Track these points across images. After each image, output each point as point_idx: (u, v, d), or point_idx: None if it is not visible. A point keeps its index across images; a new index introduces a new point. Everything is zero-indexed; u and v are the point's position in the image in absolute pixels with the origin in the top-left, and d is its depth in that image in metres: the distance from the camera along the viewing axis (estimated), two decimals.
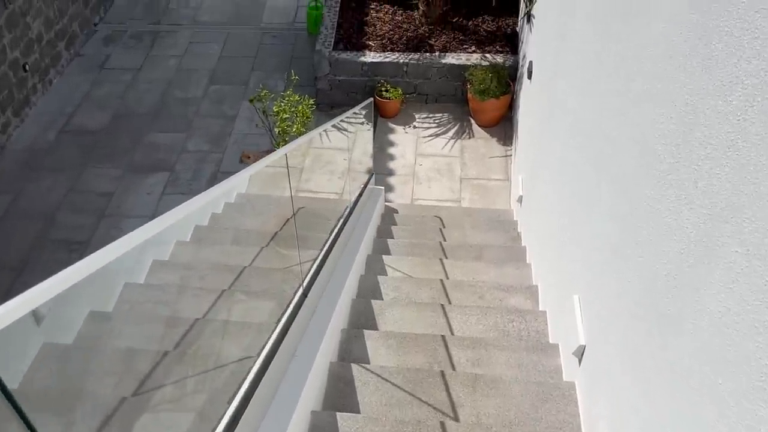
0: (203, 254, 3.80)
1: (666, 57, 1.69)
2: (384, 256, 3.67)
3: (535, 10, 4.92)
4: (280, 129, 3.97)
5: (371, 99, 4.94)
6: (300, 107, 4.01)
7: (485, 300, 3.20)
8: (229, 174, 5.80)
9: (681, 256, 1.50)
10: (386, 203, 5.12)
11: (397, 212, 4.93)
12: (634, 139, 1.94)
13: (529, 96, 4.84)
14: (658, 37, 1.76)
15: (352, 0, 6.80)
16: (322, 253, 3.34)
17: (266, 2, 7.90)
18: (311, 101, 4.21)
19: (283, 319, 2.61)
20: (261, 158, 5.23)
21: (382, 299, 3.20)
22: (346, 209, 4.36)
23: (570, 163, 2.89)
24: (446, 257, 3.75)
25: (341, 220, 4.09)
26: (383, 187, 4.97)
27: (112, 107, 6.41)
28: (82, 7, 7.11)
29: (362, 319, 2.94)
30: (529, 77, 4.72)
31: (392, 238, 4.17)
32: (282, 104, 4.01)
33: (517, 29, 6.28)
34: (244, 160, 5.09)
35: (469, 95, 5.87)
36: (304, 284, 2.67)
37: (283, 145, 4.01)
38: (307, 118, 4.05)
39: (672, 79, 1.63)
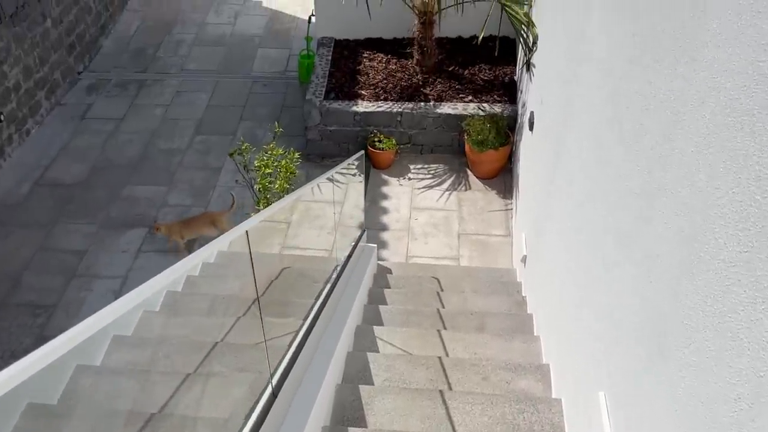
0: (172, 327, 3.40)
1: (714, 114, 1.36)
2: (375, 327, 3.27)
3: (535, 59, 4.68)
4: (261, 186, 3.63)
5: (362, 152, 4.63)
6: (283, 162, 3.67)
7: (490, 383, 2.80)
8: None
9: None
10: (379, 262, 4.75)
11: (391, 272, 4.56)
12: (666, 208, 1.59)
13: (530, 148, 4.54)
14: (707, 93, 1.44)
15: (344, 48, 6.60)
16: (303, 330, 2.95)
17: (257, 51, 7.72)
18: (296, 155, 3.88)
19: (253, 417, 2.20)
20: (174, 229, 4.92)
21: (372, 383, 2.79)
22: (335, 269, 3.99)
23: (584, 225, 2.54)
24: (445, 327, 3.36)
25: (329, 285, 3.71)
26: (375, 245, 4.61)
27: (90, 159, 6.09)
28: (66, 55, 6.89)
29: (348, 411, 2.53)
30: (531, 128, 4.43)
31: (385, 303, 3.78)
32: (264, 158, 3.68)
33: (515, 78, 6.06)
34: (155, 233, 4.86)
35: (467, 146, 5.58)
36: (274, 382, 2.26)
37: (264, 204, 3.66)
38: (292, 173, 3.72)
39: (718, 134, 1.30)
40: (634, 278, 1.88)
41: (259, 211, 3.81)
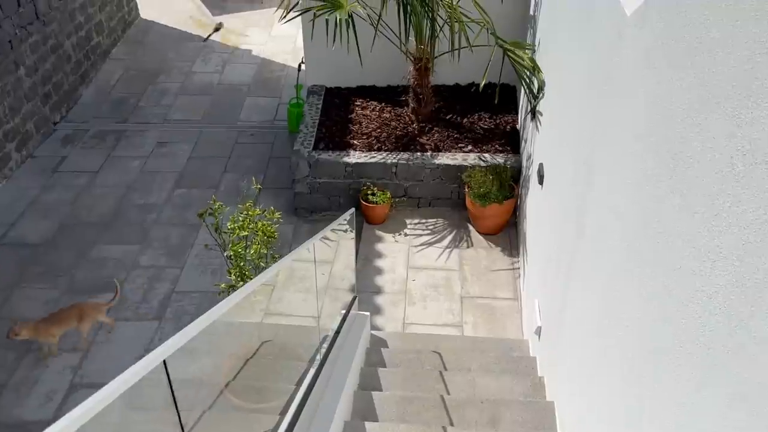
0: (129, 426, 2.84)
1: None
2: (367, 424, 2.72)
3: (542, 106, 4.28)
4: (233, 252, 3.13)
5: (353, 209, 4.16)
6: (260, 223, 3.18)
7: None
8: (186, 294, 4.91)
9: None
10: (373, 332, 4.21)
11: (387, 345, 4.02)
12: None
13: (540, 204, 4.08)
14: None
15: (335, 96, 6.24)
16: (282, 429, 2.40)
17: (245, 100, 7.37)
18: (277, 214, 3.39)
19: None
20: (41, 329, 4.06)
21: None
22: (321, 343, 3.46)
23: (623, 305, 2.05)
24: (452, 423, 2.81)
25: (314, 366, 3.17)
26: (368, 313, 4.09)
27: (59, 216, 5.60)
28: (41, 106, 6.50)
29: None
30: (540, 182, 3.99)
31: (379, 389, 3.24)
32: (240, 218, 3.19)
33: (518, 127, 5.67)
34: (12, 337, 4.04)
35: (468, 200, 5.13)
36: None
37: (235, 272, 3.16)
38: (270, 236, 3.23)
39: None
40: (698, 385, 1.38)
41: (230, 281, 3.29)
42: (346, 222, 4.13)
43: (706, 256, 1.45)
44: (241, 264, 3.14)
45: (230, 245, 3.16)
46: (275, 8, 6.68)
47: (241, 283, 3.04)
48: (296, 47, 8.19)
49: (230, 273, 3.20)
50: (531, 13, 5.36)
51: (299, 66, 6.50)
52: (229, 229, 3.20)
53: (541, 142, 4.23)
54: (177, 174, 6.15)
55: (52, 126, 6.73)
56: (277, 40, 8.65)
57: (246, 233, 3.16)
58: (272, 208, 3.41)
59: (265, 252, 3.20)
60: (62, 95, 6.89)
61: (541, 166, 4.02)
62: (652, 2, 1.95)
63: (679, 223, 1.62)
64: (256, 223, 3.19)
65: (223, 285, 3.29)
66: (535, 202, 4.31)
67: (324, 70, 6.27)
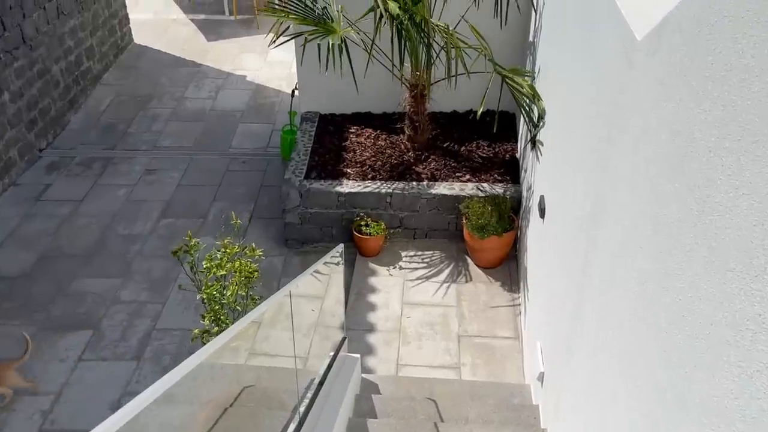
0: None
1: None
2: None
3: (543, 136, 4.07)
4: (206, 295, 2.87)
5: (341, 245, 3.91)
6: (237, 263, 2.92)
7: None
8: (167, 332, 4.64)
9: None
10: (364, 375, 3.93)
11: (379, 391, 3.74)
12: None
13: (542, 238, 3.84)
14: None
15: (329, 123, 6.04)
16: None
17: (238, 126, 7.18)
18: (259, 252, 3.14)
19: None
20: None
21: None
22: (307, 389, 3.19)
23: (641, 358, 1.80)
24: None
25: (298, 416, 2.90)
26: (359, 356, 3.82)
27: (39, 247, 5.36)
28: (25, 132, 6.30)
29: None
30: (542, 215, 3.76)
31: None
32: (218, 255, 2.94)
33: (517, 156, 5.46)
34: None
35: (466, 231, 4.89)
36: None
37: (209, 317, 2.90)
38: (249, 276, 2.96)
39: None
40: None
41: (204, 326, 3.03)
42: (337, 254, 3.90)
43: (744, 325, 1.21)
44: (216, 308, 2.89)
45: (203, 287, 2.90)
46: (282, 41, 6.49)
47: (216, 329, 2.79)
48: (291, 73, 8.04)
49: (204, 318, 2.94)
50: (530, 39, 5.20)
51: (293, 92, 6.33)
52: (204, 269, 2.95)
53: (542, 173, 4.02)
54: (164, 203, 5.93)
55: (37, 153, 6.53)
56: (273, 66, 8.51)
57: (224, 272, 2.91)
58: (253, 245, 3.16)
59: (244, 293, 2.94)
60: (49, 121, 6.70)
61: (542, 198, 3.80)
62: (668, 25, 1.73)
63: (707, 280, 1.38)
64: (233, 262, 2.94)
65: (196, 331, 3.03)
66: (537, 236, 4.07)
67: (318, 96, 6.10)
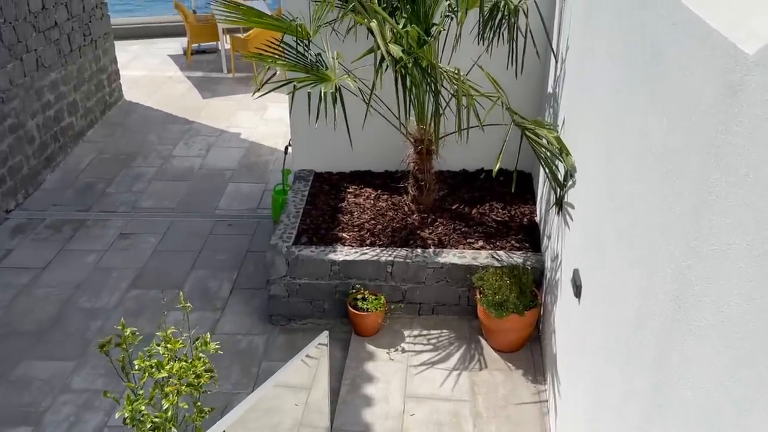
0: None
1: None
2: None
3: (572, 197, 3.42)
4: (127, 414, 2.12)
5: (326, 333, 3.18)
6: (176, 366, 2.13)
7: None
8: (121, 430, 3.87)
9: None
10: None
11: None
12: None
13: (578, 320, 3.12)
14: None
15: (325, 182, 5.44)
16: None
17: (227, 186, 6.60)
18: (213, 345, 2.37)
19: None
20: None
21: None
22: None
23: None
24: None
25: None
26: None
27: None
28: None
29: None
30: (577, 294, 3.05)
31: None
32: (160, 351, 2.19)
33: (536, 219, 4.80)
34: None
35: (480, 308, 4.16)
36: None
37: None
38: (194, 384, 2.17)
39: None
40: None
41: None
42: (324, 344, 3.17)
43: None
44: (143, 430, 2.13)
45: (125, 403, 2.16)
46: (268, 90, 6.01)
47: None
48: (289, 130, 7.54)
49: None
50: (549, 90, 4.64)
51: (286, 148, 5.77)
52: (137, 370, 2.23)
53: (573, 242, 3.33)
54: (136, 271, 5.25)
55: (3, 214, 5.92)
56: (270, 123, 8.04)
57: (164, 373, 2.19)
58: (206, 336, 2.40)
59: (188, 406, 2.19)
60: (20, 180, 6.13)
61: (576, 273, 3.10)
62: None
63: None
64: (175, 362, 2.21)
65: None
66: (569, 316, 3.34)
67: (313, 153, 5.53)
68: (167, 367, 2.17)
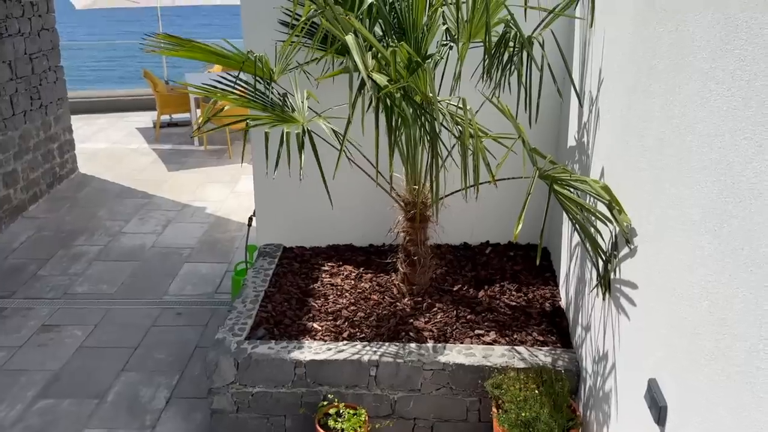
0: None
1: None
2: None
3: (628, 272, 2.42)
4: None
5: None
6: None
7: None
8: None
9: None
10: None
11: None
12: None
13: None
14: None
15: (295, 259, 4.42)
16: None
17: (181, 267, 5.55)
18: None
19: None
20: None
21: None
22: None
23: None
24: None
25: None
26: None
27: None
28: None
29: None
30: (660, 419, 1.97)
31: None
32: None
33: (562, 305, 3.77)
34: None
35: (498, 428, 3.03)
36: None
37: None
38: None
39: None
40: None
41: None
42: None
43: None
44: None
45: None
46: (242, 162, 5.14)
47: None
48: None
49: None
50: (572, 143, 3.76)
51: (250, 219, 4.78)
52: None
53: (637, 337, 2.29)
54: (51, 374, 4.08)
55: None
56: (241, 196, 7.12)
57: None
58: None
59: None
60: None
61: (654, 386, 2.03)
62: None
63: None
64: None
65: None
66: None
67: (281, 223, 4.55)
68: None
